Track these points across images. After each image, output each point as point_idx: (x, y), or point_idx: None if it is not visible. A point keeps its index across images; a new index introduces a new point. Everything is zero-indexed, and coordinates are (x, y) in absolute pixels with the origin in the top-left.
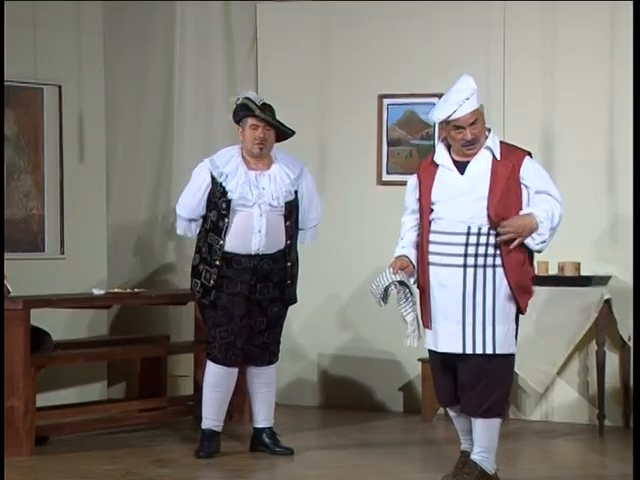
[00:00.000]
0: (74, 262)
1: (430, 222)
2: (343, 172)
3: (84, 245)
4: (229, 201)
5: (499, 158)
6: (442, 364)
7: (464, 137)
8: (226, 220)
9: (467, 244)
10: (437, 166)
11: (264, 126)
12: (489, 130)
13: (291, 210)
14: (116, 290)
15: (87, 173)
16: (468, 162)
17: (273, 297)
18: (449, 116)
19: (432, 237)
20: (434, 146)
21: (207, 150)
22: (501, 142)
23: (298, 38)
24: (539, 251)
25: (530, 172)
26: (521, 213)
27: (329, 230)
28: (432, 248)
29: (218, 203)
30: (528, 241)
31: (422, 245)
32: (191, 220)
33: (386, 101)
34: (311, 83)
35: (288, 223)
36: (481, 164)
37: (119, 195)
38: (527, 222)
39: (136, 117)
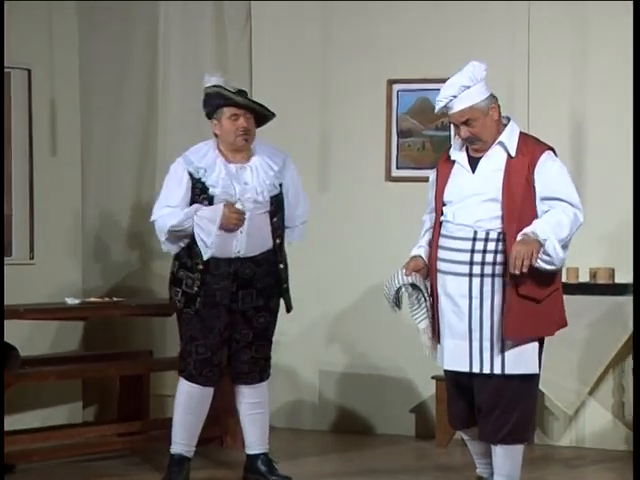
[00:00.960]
0: (45, 268)
1: (440, 224)
2: (347, 167)
3: (56, 249)
4: (211, 197)
5: (514, 155)
6: (454, 382)
7: (460, 134)
8: None
9: (473, 250)
10: (453, 162)
11: (244, 114)
12: (508, 120)
13: (277, 206)
14: (92, 299)
15: (60, 168)
16: (481, 158)
17: (258, 306)
18: (439, 111)
19: (440, 241)
20: (450, 137)
21: (195, 140)
22: (522, 134)
23: (297, 17)
24: (554, 271)
25: (542, 173)
26: (518, 237)
27: (332, 233)
28: (440, 254)
29: (199, 201)
30: (540, 264)
31: (432, 249)
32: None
33: (396, 87)
34: (311, 67)
35: (275, 220)
36: (493, 161)
37: (96, 193)
38: (530, 246)
39: (115, 105)
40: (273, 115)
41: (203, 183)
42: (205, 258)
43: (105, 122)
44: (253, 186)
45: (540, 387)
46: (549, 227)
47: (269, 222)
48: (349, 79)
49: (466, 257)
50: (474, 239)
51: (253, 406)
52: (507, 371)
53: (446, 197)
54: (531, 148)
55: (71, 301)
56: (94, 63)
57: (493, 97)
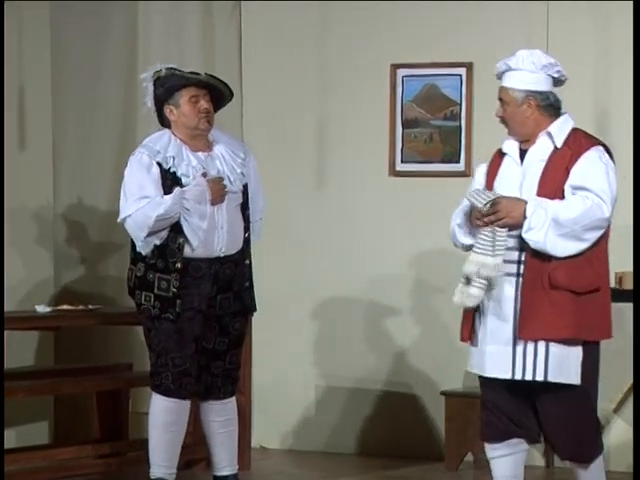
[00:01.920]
0: (13, 273)
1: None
2: (347, 161)
3: (26, 252)
4: None
5: (559, 146)
6: (494, 391)
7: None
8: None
9: (521, 249)
10: (503, 155)
11: (204, 95)
12: (559, 112)
13: (247, 197)
14: (65, 307)
15: (29, 163)
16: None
17: (235, 310)
18: (497, 76)
19: None
20: (460, 128)
21: None
22: (576, 130)
23: None
24: (533, 244)
25: (580, 163)
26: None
27: (330, 234)
28: None
29: (171, 192)
30: (523, 233)
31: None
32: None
33: (401, 72)
34: (308, 52)
35: (247, 213)
36: (539, 152)
37: (69, 190)
38: (519, 205)
39: (91, 93)
40: (232, 95)
41: (174, 174)
42: (195, 245)
43: (80, 112)
44: (225, 175)
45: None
46: (552, 204)
47: (241, 216)
48: (349, 64)
49: (514, 256)
50: (520, 236)
51: (224, 424)
52: (550, 378)
53: (497, 191)
54: (580, 141)
55: (41, 309)
56: (67, 47)
57: (537, 94)
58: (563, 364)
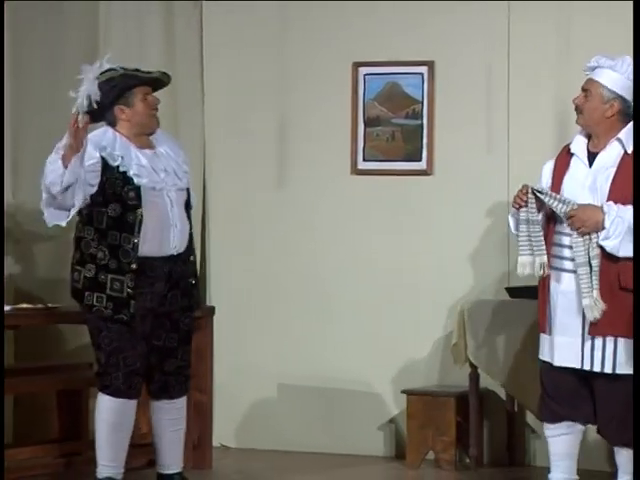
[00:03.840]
0: None
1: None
2: (308, 160)
3: None
4: (138, 188)
5: (630, 151)
6: (561, 375)
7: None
8: (139, 212)
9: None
10: (572, 156)
11: (150, 91)
12: (625, 117)
13: (189, 194)
14: (24, 306)
15: None
16: (599, 153)
17: (183, 306)
18: (585, 69)
19: (554, 238)
20: (422, 126)
21: None
22: None
23: None
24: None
25: None
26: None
27: (290, 233)
28: (553, 250)
29: (122, 193)
30: (600, 238)
31: (547, 246)
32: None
33: (362, 70)
34: (268, 49)
35: (190, 210)
36: (610, 157)
37: (28, 184)
38: (594, 215)
39: (50, 94)
40: (169, 82)
41: (124, 173)
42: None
43: (39, 115)
44: (172, 172)
45: (523, 404)
46: (628, 213)
47: (186, 213)
48: (310, 62)
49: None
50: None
51: (174, 422)
52: (618, 370)
53: (564, 191)
54: None
55: None
56: (25, 47)
57: (623, 100)
58: (630, 357)
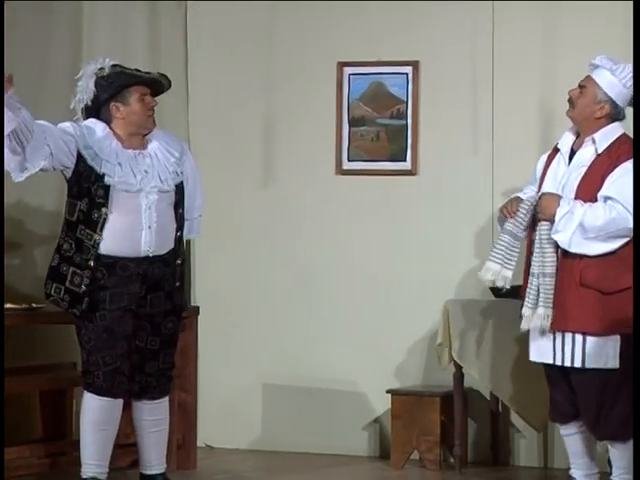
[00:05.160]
0: None
1: None
2: (293, 159)
3: None
4: (107, 187)
5: (600, 152)
6: (551, 374)
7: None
8: (104, 211)
9: (557, 247)
10: (557, 151)
11: (149, 92)
12: (612, 120)
13: (181, 196)
14: (9, 306)
15: None
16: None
17: (166, 310)
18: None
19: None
20: (406, 126)
21: None
22: (624, 137)
23: None
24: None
25: (613, 175)
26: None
27: (275, 233)
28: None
29: (92, 190)
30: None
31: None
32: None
33: (347, 70)
34: (254, 50)
35: (180, 212)
36: (583, 156)
37: (13, 187)
38: (551, 205)
39: (34, 95)
40: (170, 86)
41: (95, 170)
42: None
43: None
44: (155, 174)
45: (508, 404)
46: (580, 210)
47: (174, 216)
48: (295, 62)
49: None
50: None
51: (156, 423)
52: (587, 365)
53: (543, 187)
54: (621, 150)
55: None
56: (11, 52)
57: (615, 105)
58: (601, 351)
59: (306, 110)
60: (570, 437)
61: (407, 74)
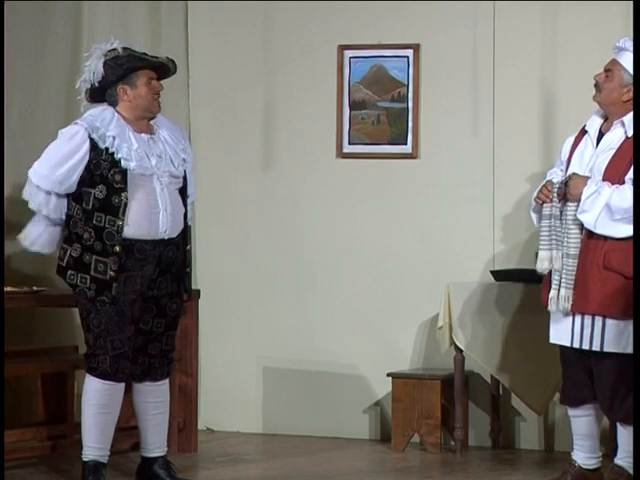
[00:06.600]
0: None
1: None
2: (294, 143)
3: None
4: (124, 172)
5: (630, 134)
6: (567, 357)
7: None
8: (124, 195)
9: (582, 228)
10: (585, 133)
11: (155, 76)
12: None
13: (186, 181)
14: (9, 289)
15: None
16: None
17: (172, 292)
18: (614, 48)
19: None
20: (407, 109)
21: None
22: None
23: None
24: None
25: None
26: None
27: (276, 216)
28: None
29: (108, 176)
30: (578, 211)
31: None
32: (51, 193)
33: (348, 53)
34: (254, 33)
35: (187, 197)
36: (612, 139)
37: (14, 166)
38: (579, 185)
39: (35, 79)
40: (175, 71)
41: (112, 155)
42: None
43: (24, 95)
44: (168, 159)
45: (508, 387)
46: (608, 191)
47: (181, 200)
48: (296, 45)
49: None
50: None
51: (157, 405)
52: (605, 349)
53: (570, 169)
54: None
55: None
56: (10, 51)
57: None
58: (621, 336)
59: (306, 93)
60: (578, 419)
61: (408, 57)
